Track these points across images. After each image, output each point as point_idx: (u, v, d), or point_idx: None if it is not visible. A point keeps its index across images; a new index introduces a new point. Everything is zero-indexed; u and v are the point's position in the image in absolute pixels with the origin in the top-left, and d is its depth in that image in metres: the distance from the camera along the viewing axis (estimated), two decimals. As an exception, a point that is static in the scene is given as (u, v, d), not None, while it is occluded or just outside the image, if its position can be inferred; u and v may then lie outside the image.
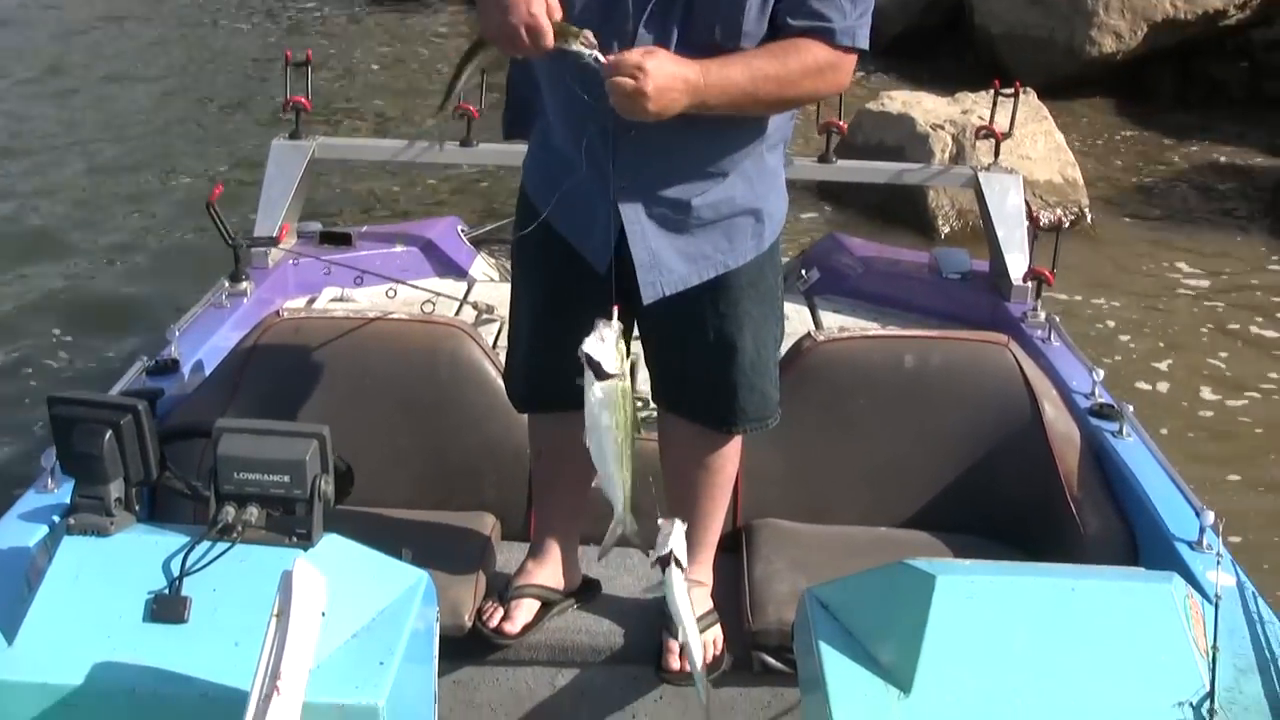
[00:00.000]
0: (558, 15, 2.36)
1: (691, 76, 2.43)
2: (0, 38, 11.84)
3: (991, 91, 4.92)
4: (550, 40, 2.35)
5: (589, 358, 2.39)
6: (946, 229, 7.25)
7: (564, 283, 2.77)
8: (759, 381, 2.85)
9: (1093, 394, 3.59)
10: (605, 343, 2.39)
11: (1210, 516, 2.83)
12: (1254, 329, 6.66)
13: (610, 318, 2.41)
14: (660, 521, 2.47)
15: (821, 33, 2.53)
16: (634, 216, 2.68)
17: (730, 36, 2.52)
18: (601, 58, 2.37)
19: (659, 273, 2.71)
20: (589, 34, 2.37)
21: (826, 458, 3.32)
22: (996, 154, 4.72)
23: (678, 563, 2.45)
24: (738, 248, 2.77)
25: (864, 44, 2.58)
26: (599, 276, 2.67)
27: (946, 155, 7.22)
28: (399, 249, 4.84)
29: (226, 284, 4.26)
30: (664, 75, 2.39)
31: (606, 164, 2.62)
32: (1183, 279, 7.18)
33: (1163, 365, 6.18)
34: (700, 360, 2.82)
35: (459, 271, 4.86)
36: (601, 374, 2.40)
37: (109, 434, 2.31)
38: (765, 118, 2.68)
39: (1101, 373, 3.67)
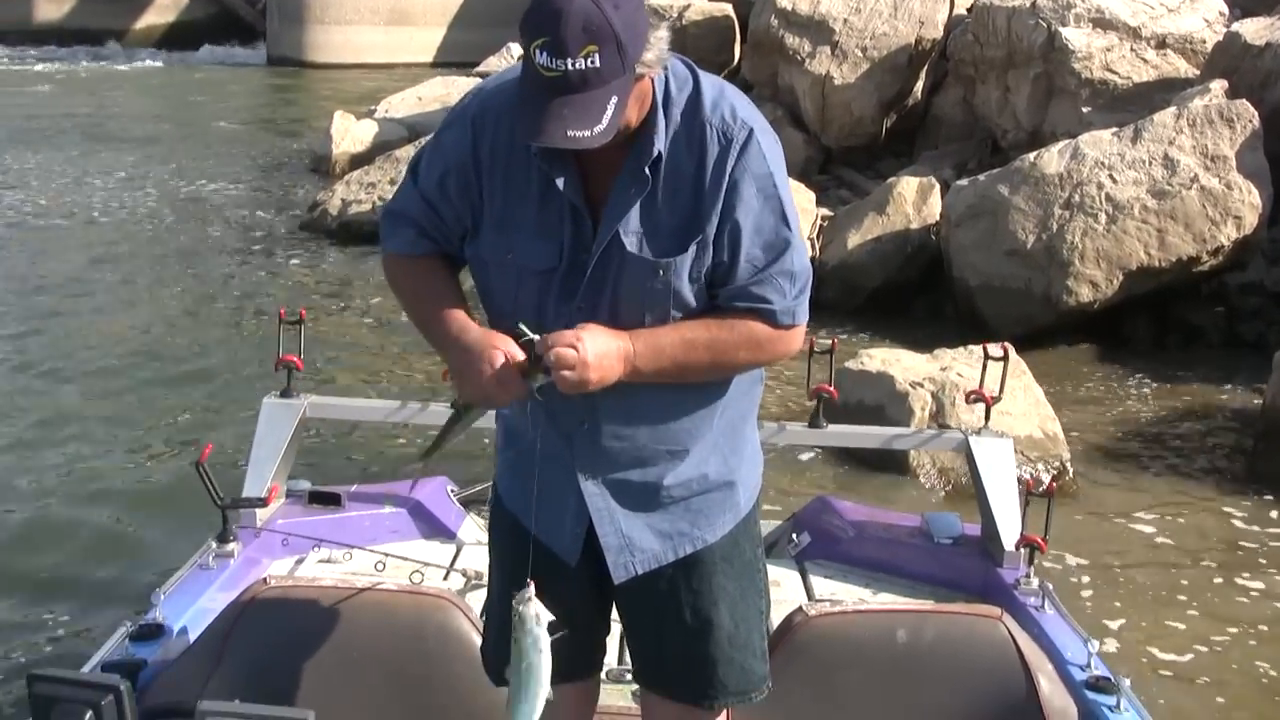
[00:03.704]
0: (519, 356, 2.54)
1: (623, 343, 2.54)
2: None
3: (969, 348, 4.95)
4: (524, 390, 2.56)
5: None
6: (928, 485, 7.31)
7: (534, 564, 2.78)
8: (739, 656, 2.85)
9: (1088, 666, 3.58)
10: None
11: None
12: (1243, 582, 6.62)
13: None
14: None
15: (762, 314, 2.63)
16: (600, 503, 2.75)
17: (660, 322, 2.62)
18: (534, 336, 2.51)
19: (629, 554, 2.77)
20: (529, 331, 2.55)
21: None
22: (987, 418, 4.74)
23: None
24: (714, 522, 2.81)
25: (804, 320, 2.68)
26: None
27: (926, 413, 7.27)
28: (388, 510, 4.84)
29: (214, 545, 4.26)
30: (599, 343, 2.51)
31: (568, 457, 2.72)
32: (1170, 534, 7.14)
33: (1156, 626, 6.11)
34: (676, 638, 2.83)
35: (448, 534, 4.86)
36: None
37: (89, 715, 2.33)
38: (721, 391, 2.75)
39: (1096, 644, 3.66)
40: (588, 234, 2.62)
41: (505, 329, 2.59)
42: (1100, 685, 3.50)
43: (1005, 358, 4.79)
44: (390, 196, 2.91)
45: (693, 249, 2.59)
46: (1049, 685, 3.32)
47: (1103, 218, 10.21)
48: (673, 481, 2.76)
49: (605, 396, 2.58)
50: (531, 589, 2.55)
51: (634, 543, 2.77)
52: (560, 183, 2.59)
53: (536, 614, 2.54)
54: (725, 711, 2.95)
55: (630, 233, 2.59)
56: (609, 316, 2.60)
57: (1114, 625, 6.01)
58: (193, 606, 3.86)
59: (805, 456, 7.62)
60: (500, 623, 2.94)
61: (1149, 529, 7.22)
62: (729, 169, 2.58)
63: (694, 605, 2.81)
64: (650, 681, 2.94)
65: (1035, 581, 4.19)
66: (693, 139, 2.59)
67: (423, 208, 2.74)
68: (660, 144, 2.57)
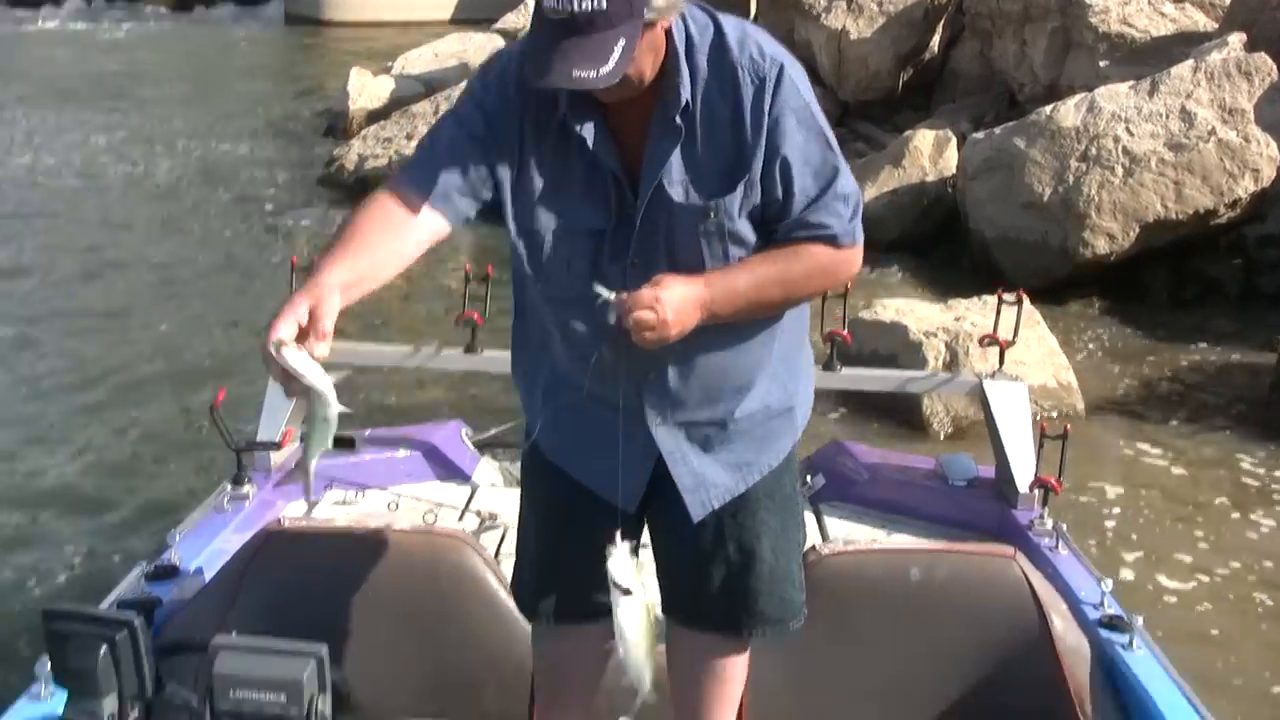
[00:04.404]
0: (323, 327, 2.37)
1: (700, 292, 2.53)
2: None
3: (984, 298, 4.92)
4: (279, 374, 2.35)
5: (615, 581, 2.59)
6: (941, 434, 7.33)
7: (574, 505, 2.84)
8: (779, 587, 2.89)
9: (1102, 604, 3.58)
10: (624, 563, 2.59)
11: None
12: (1255, 518, 6.69)
13: (623, 536, 2.62)
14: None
15: (824, 239, 2.64)
16: (672, 445, 2.77)
17: (720, 261, 2.62)
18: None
19: (705, 490, 2.80)
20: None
21: (831, 673, 3.31)
22: (1001, 362, 4.76)
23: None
24: (777, 446, 2.87)
25: (861, 238, 2.70)
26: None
27: (940, 362, 7.28)
28: (402, 454, 4.85)
29: (229, 487, 4.29)
30: (677, 299, 2.50)
31: (636, 406, 2.72)
32: (1182, 479, 7.18)
33: (1167, 564, 6.15)
34: (718, 573, 2.86)
35: (462, 477, 4.87)
36: (626, 593, 2.59)
37: (104, 649, 2.34)
38: (777, 319, 2.77)
39: (1110, 583, 3.65)
40: (628, 192, 2.61)
41: (577, 292, 2.58)
42: (1113, 623, 3.49)
43: (1019, 302, 4.78)
44: (407, 152, 2.86)
45: (740, 188, 2.59)
46: (1062, 623, 3.31)
47: (1119, 170, 10.16)
48: (741, 414, 2.78)
49: (674, 343, 2.56)
50: (624, 545, 2.61)
51: (707, 479, 2.79)
52: (588, 132, 2.57)
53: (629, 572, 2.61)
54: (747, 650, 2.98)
55: (675, 182, 2.59)
56: (666, 267, 2.60)
57: (1127, 564, 6.06)
58: (208, 547, 3.88)
59: (817, 402, 7.61)
60: (538, 564, 2.98)
61: (1161, 473, 7.27)
62: (767, 108, 2.57)
63: (739, 539, 2.84)
64: (686, 616, 2.95)
65: (1049, 522, 4.17)
66: (724, 82, 2.58)
67: (447, 162, 2.61)
68: (686, 92, 2.56)
